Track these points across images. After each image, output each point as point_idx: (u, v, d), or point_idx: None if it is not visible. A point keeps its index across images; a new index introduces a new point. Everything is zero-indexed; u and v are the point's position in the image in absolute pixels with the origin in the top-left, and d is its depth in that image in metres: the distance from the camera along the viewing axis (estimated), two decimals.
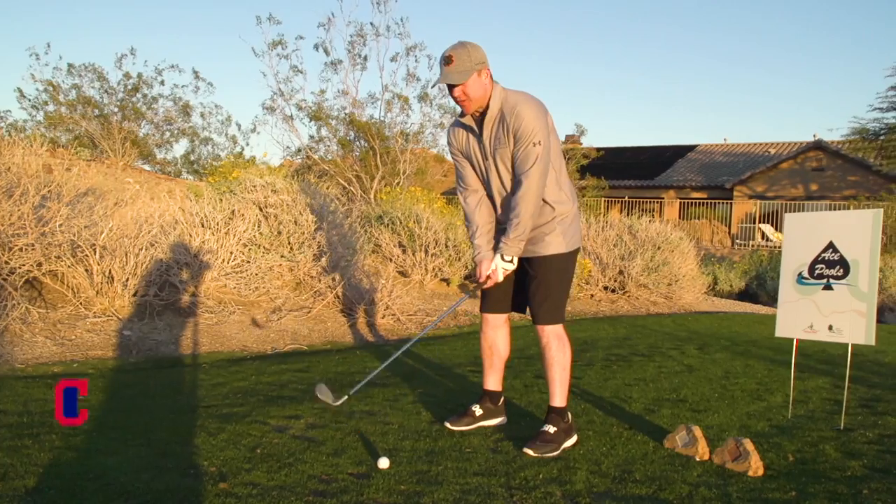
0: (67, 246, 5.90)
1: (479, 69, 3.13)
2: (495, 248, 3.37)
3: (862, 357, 6.24)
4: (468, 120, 3.32)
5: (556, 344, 3.32)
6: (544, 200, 3.27)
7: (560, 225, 3.32)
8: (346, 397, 3.45)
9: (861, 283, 3.69)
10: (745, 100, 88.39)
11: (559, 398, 3.34)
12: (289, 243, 7.63)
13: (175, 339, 5.85)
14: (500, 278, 3.32)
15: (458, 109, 3.27)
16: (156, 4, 75.28)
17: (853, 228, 3.78)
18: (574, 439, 3.35)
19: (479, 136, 3.30)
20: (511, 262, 3.30)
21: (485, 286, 3.38)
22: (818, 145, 29.65)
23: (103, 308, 5.96)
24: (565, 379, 3.34)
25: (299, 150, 17.41)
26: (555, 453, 3.18)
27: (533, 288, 3.36)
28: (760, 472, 3.00)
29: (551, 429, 3.27)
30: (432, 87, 3.21)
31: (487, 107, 3.22)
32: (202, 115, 22.84)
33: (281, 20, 21.69)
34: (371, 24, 16.05)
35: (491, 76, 3.20)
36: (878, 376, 5.50)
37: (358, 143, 16.54)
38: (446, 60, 3.11)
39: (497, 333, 3.57)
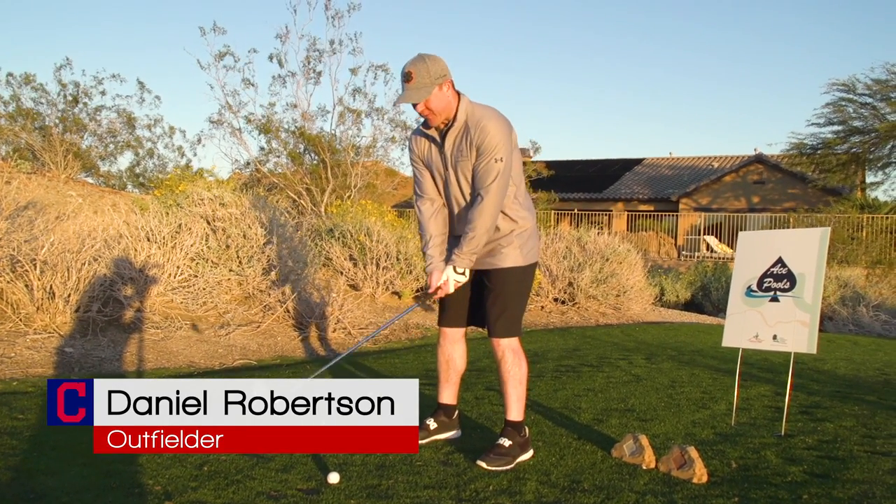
0: (7, 261, 5.73)
1: (440, 83, 3.09)
2: (447, 260, 3.34)
3: (802, 365, 6.43)
4: (431, 130, 3.29)
5: (511, 358, 3.31)
6: (504, 213, 3.28)
7: (518, 238, 3.33)
8: None
9: (806, 295, 3.81)
10: (690, 113, 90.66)
11: (515, 412, 3.33)
12: (237, 257, 7.54)
13: (119, 356, 5.72)
14: (451, 290, 3.29)
15: (414, 124, 3.28)
16: (99, 18, 73.85)
17: (801, 245, 3.91)
18: (530, 453, 3.35)
19: (441, 147, 3.28)
20: (463, 274, 3.27)
21: (435, 297, 3.36)
22: (759, 159, 30.59)
23: (44, 324, 5.79)
24: (521, 393, 3.33)
25: (248, 163, 17.26)
26: (508, 467, 3.17)
27: (490, 301, 3.35)
28: (704, 479, 3.07)
29: (506, 442, 3.26)
30: (394, 105, 3.16)
31: (454, 118, 3.20)
32: (148, 126, 22.46)
33: (226, 30, 21.50)
34: (330, 42, 16.10)
35: (454, 87, 3.18)
36: (818, 383, 5.68)
37: (308, 155, 16.46)
38: (406, 77, 3.07)
39: (454, 348, 3.56)
